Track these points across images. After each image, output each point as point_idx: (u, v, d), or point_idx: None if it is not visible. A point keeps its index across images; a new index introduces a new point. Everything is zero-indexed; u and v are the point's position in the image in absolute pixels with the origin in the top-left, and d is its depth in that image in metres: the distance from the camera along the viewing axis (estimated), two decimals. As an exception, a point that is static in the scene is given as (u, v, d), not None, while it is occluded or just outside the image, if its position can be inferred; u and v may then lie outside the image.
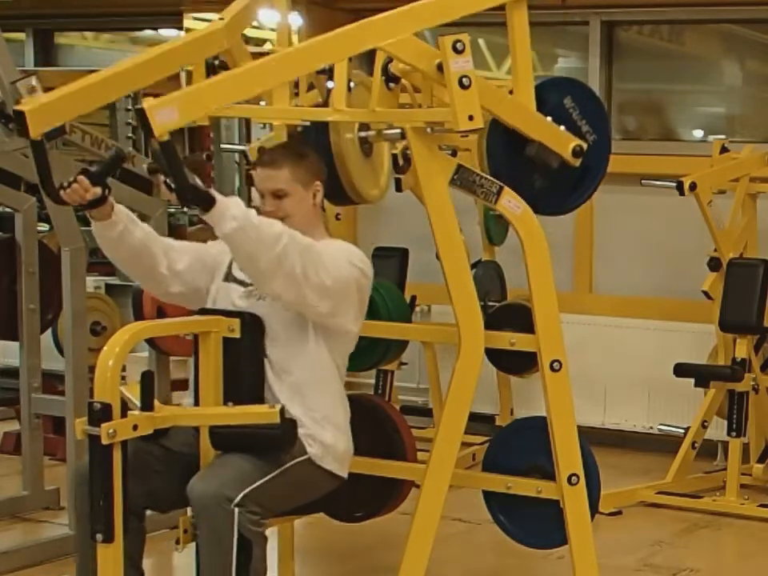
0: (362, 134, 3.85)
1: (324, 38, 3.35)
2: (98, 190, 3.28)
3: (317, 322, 3.47)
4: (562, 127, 3.71)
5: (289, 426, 3.36)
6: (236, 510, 3.20)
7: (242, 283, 3.54)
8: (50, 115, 3.17)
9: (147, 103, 3.02)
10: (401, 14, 3.40)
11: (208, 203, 3.17)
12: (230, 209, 3.20)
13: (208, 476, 3.28)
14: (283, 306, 3.43)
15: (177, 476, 3.37)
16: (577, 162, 3.71)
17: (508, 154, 3.69)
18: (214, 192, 3.21)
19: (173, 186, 3.12)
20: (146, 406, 3.16)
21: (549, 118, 3.69)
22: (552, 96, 3.69)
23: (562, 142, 3.70)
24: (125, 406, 3.12)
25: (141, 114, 3.00)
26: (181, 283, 3.57)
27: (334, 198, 4.05)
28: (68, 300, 4.84)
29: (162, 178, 3.16)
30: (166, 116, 3.02)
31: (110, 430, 3.03)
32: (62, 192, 3.27)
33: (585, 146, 3.71)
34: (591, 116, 3.79)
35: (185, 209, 7.51)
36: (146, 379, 3.17)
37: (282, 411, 3.29)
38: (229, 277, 3.57)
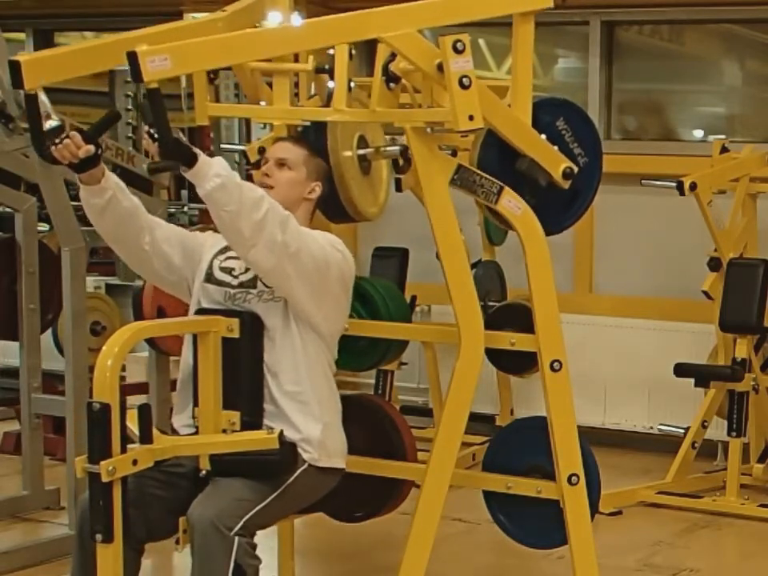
0: (361, 151, 3.86)
1: (326, 19, 3.34)
2: (91, 148, 3.19)
3: (298, 310, 3.45)
4: (555, 147, 3.71)
5: (288, 449, 3.37)
6: (237, 538, 3.19)
7: (223, 284, 3.53)
8: (44, 69, 3.15)
9: (140, 48, 2.97)
10: (407, 8, 3.39)
11: (190, 158, 3.14)
12: (212, 167, 3.18)
13: (207, 502, 3.25)
14: (263, 277, 3.40)
15: (178, 500, 3.33)
16: (566, 184, 3.71)
17: (499, 163, 3.68)
18: (197, 150, 3.17)
19: (157, 137, 3.08)
20: (145, 438, 3.16)
21: (543, 136, 3.69)
22: (545, 116, 3.69)
23: (554, 162, 3.69)
24: (128, 440, 3.12)
25: (132, 58, 2.95)
26: (163, 263, 3.52)
27: (333, 215, 4.04)
28: (68, 300, 4.84)
29: (146, 128, 3.11)
30: (158, 64, 2.98)
31: (110, 467, 3.03)
32: (53, 148, 3.18)
33: (576, 168, 3.71)
34: (583, 139, 3.78)
35: (185, 208, 7.52)
36: (143, 412, 3.16)
37: (281, 436, 3.29)
38: (211, 278, 3.54)
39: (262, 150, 4.02)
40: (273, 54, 3.44)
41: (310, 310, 3.46)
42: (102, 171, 3.30)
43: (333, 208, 3.89)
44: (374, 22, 3.37)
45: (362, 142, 3.86)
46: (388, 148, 3.81)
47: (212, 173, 3.17)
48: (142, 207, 3.45)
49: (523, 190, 3.66)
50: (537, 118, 3.66)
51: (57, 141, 3.16)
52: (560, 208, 3.80)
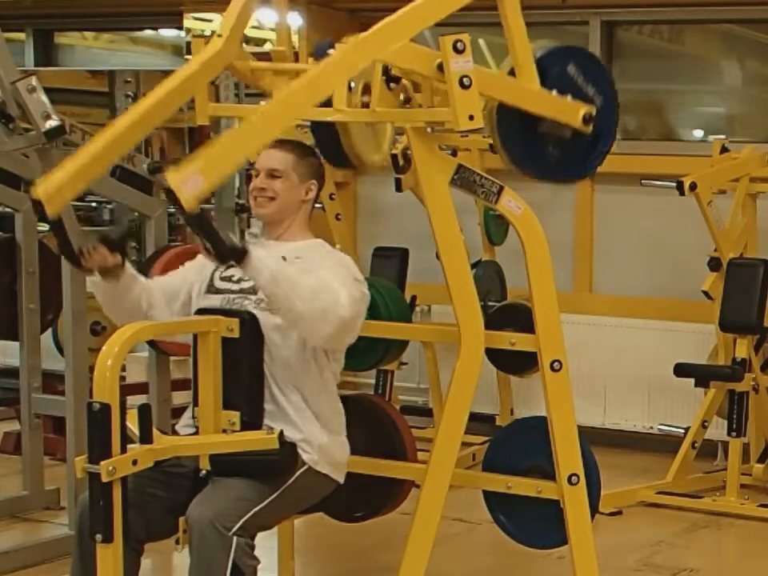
0: (365, 98, 3.83)
1: (320, 70, 3.31)
2: (118, 258, 3.41)
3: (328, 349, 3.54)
4: (569, 97, 3.69)
5: (288, 450, 3.37)
6: (235, 538, 3.19)
7: (223, 291, 3.55)
8: (62, 195, 3.25)
9: (172, 181, 3.00)
10: (394, 21, 3.38)
11: (244, 258, 3.24)
12: (264, 262, 3.28)
13: (206, 501, 3.26)
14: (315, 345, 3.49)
15: (178, 500, 3.34)
16: (589, 129, 3.68)
17: (521, 134, 3.67)
18: (248, 246, 3.27)
19: (211, 250, 3.19)
20: (145, 438, 3.16)
21: (554, 91, 3.66)
22: (555, 66, 3.66)
23: (572, 113, 3.66)
24: (128, 440, 3.12)
25: (170, 194, 3.00)
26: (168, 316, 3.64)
27: (336, 161, 4.03)
28: (68, 300, 4.84)
29: (201, 243, 3.21)
30: (193, 186, 3.02)
31: (110, 468, 3.03)
32: (81, 259, 3.39)
33: (594, 111, 3.69)
34: (596, 79, 3.74)
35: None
36: (143, 412, 3.16)
37: (281, 436, 3.30)
38: (211, 289, 3.60)
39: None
40: (288, 125, 3.45)
41: (343, 348, 3.59)
42: (123, 268, 3.45)
43: (335, 155, 3.90)
44: (367, 50, 3.35)
45: (366, 90, 3.84)
46: None
47: (265, 268, 3.28)
48: (147, 288, 3.57)
49: (551, 147, 3.67)
50: (547, 70, 3.64)
51: (84, 251, 3.37)
52: (585, 151, 3.77)
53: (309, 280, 3.36)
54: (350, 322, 3.41)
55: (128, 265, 3.48)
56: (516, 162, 3.70)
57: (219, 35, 3.62)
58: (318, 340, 3.43)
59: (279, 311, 3.38)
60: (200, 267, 3.67)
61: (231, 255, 3.21)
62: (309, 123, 3.93)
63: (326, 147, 3.83)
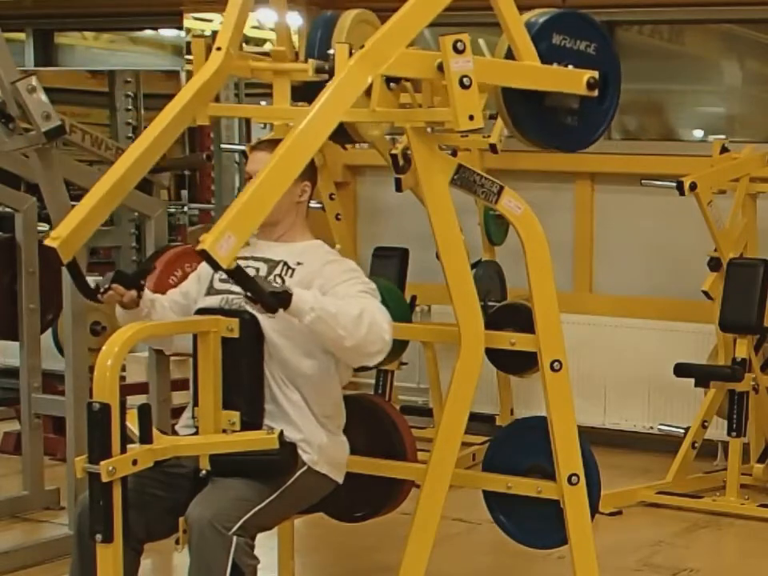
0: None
1: (326, 101, 3.31)
2: (134, 294, 3.49)
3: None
4: (570, 66, 3.69)
5: (288, 450, 3.38)
6: (235, 538, 3.20)
7: (222, 292, 3.55)
8: (75, 240, 3.39)
9: (207, 244, 3.05)
10: (388, 32, 3.37)
11: (287, 301, 3.28)
12: (307, 302, 3.31)
13: (206, 501, 3.26)
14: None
15: (177, 500, 3.34)
16: (595, 93, 3.67)
17: (529, 111, 3.66)
18: (290, 288, 3.32)
19: (255, 299, 3.24)
20: (145, 439, 3.16)
21: (554, 65, 3.66)
22: (541, 43, 3.64)
23: (575, 82, 3.64)
24: (128, 440, 3.13)
25: (205, 256, 3.05)
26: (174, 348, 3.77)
27: (335, 136, 4.03)
28: (68, 300, 4.84)
29: (244, 293, 3.28)
30: (226, 245, 3.08)
31: (110, 468, 3.02)
32: (99, 296, 3.49)
33: (596, 75, 3.67)
34: (582, 32, 3.72)
35: (184, 209, 7.54)
36: (143, 412, 3.16)
37: (281, 436, 3.30)
38: (210, 291, 3.60)
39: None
40: (303, 164, 3.45)
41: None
42: (141, 298, 3.53)
43: (335, 130, 3.89)
44: (368, 66, 3.35)
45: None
46: None
47: (307, 307, 3.31)
48: (165, 310, 3.64)
49: (563, 118, 3.68)
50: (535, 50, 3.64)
51: (101, 291, 3.48)
52: (597, 103, 3.74)
53: (350, 309, 3.39)
54: (390, 337, 3.47)
55: (146, 292, 3.56)
56: (532, 137, 3.70)
57: (218, 48, 3.63)
58: (367, 362, 3.50)
59: (325, 344, 3.44)
60: (198, 277, 3.70)
61: (275, 301, 3.26)
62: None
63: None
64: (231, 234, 3.09)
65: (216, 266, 3.07)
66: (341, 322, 3.34)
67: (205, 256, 3.06)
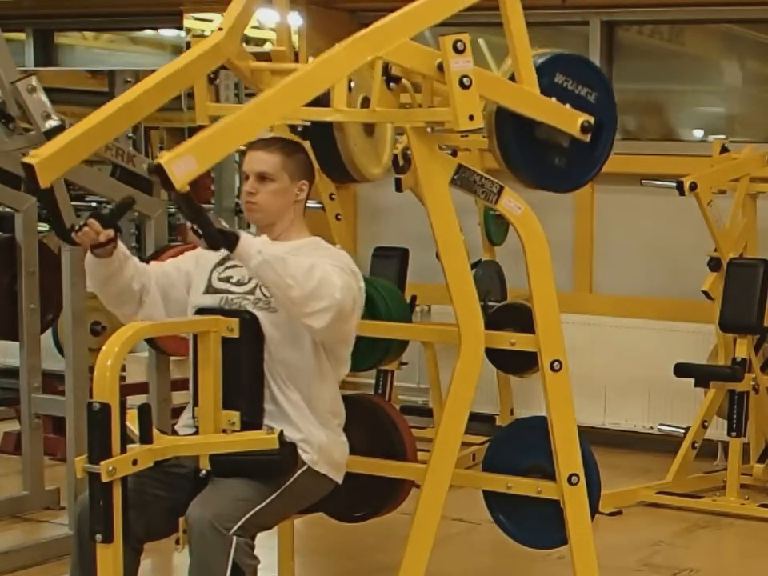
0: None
1: (322, 61, 3.32)
2: (110, 232, 3.33)
3: (328, 343, 3.51)
4: (568, 105, 3.69)
5: (288, 450, 3.37)
6: (235, 538, 3.19)
7: (221, 291, 3.54)
8: (57, 164, 3.20)
9: (163, 158, 2.99)
10: (395, 20, 3.38)
11: (234, 242, 3.22)
12: (253, 245, 3.25)
13: (206, 502, 3.25)
14: (317, 336, 3.45)
15: (178, 500, 3.33)
16: (587, 138, 3.68)
17: (517, 140, 3.67)
18: (239, 231, 3.26)
19: (200, 232, 3.17)
20: (145, 438, 3.16)
21: (553, 99, 3.67)
22: (542, 79, 3.66)
23: (570, 120, 3.66)
24: (128, 440, 3.12)
25: (159, 170, 2.99)
26: (142, 317, 3.55)
27: (335, 174, 4.02)
28: (68, 300, 4.84)
29: (188, 224, 3.19)
30: (184, 167, 3.01)
31: (110, 468, 3.02)
32: (73, 234, 3.32)
33: (592, 120, 3.68)
34: (585, 78, 3.74)
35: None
36: (143, 412, 3.16)
37: (281, 436, 3.30)
38: (209, 290, 3.57)
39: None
40: (285, 115, 3.44)
41: (342, 340, 3.54)
42: (116, 246, 3.38)
43: (335, 168, 3.89)
44: (368, 45, 3.35)
45: (366, 103, 3.84)
46: None
47: (254, 251, 3.24)
48: (140, 270, 3.50)
49: (551, 155, 3.67)
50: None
51: (77, 228, 3.29)
52: (589, 150, 3.76)
53: (301, 261, 3.33)
54: (344, 304, 3.37)
55: (121, 244, 3.41)
56: (515, 168, 3.70)
57: (220, 29, 3.61)
58: (312, 321, 3.34)
59: (272, 294, 3.36)
60: (197, 259, 3.64)
61: (220, 238, 3.18)
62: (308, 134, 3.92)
63: (325, 160, 3.81)
64: (192, 158, 3.03)
65: (168, 186, 3.00)
66: (290, 270, 3.26)
67: (159, 171, 2.99)
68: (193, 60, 3.50)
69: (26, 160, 3.15)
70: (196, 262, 3.64)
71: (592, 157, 3.78)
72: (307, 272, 3.30)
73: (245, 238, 3.24)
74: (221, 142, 3.14)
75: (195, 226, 3.17)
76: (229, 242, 3.21)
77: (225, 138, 3.15)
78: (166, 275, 3.60)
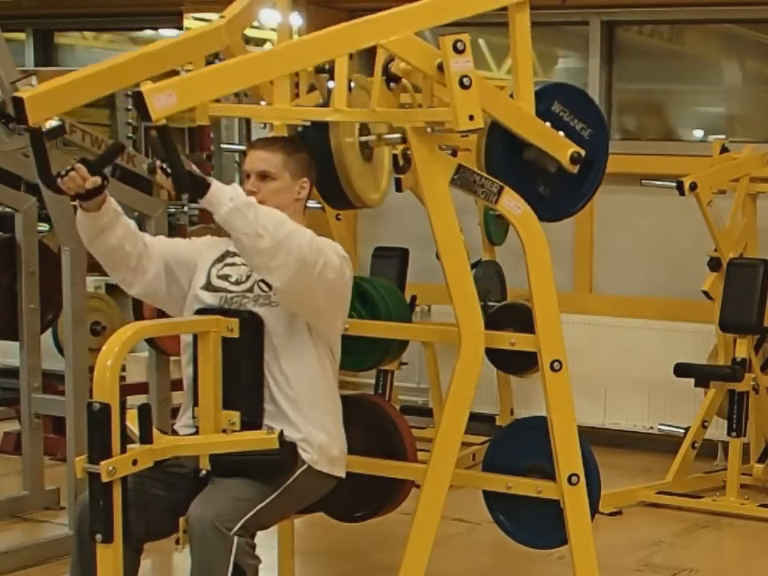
0: (363, 138, 3.84)
1: (325, 33, 3.34)
2: (98, 179, 3.24)
3: (313, 321, 3.47)
4: (561, 133, 3.71)
5: (288, 449, 3.37)
6: (236, 538, 3.19)
7: (220, 290, 3.53)
8: (48, 103, 3.15)
9: (145, 87, 2.98)
10: (402, 12, 3.40)
11: (204, 188, 3.16)
12: (225, 192, 3.19)
13: (207, 502, 3.25)
14: (282, 301, 3.41)
15: (178, 500, 3.33)
16: (574, 169, 3.71)
17: (505, 158, 3.69)
18: (209, 178, 3.20)
19: (169, 171, 3.11)
20: (145, 438, 3.16)
21: (548, 124, 3.69)
22: (540, 105, 3.69)
23: (561, 148, 3.69)
24: (128, 440, 3.12)
25: (138, 98, 2.96)
26: (143, 287, 3.53)
27: (335, 201, 4.03)
28: (68, 300, 4.84)
29: (158, 163, 3.12)
30: (164, 101, 2.99)
31: (110, 468, 3.02)
32: (59, 180, 3.23)
33: (583, 152, 3.70)
34: (582, 113, 3.77)
35: (185, 208, 7.53)
36: (143, 412, 3.16)
37: (281, 436, 3.30)
38: (208, 287, 3.55)
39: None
40: (275, 75, 3.44)
41: (327, 320, 3.49)
42: (105, 198, 3.32)
43: (334, 194, 3.89)
44: (371, 29, 3.37)
45: (364, 129, 3.85)
46: (390, 135, 3.79)
47: (225, 198, 3.18)
48: (133, 232, 3.45)
49: (536, 180, 3.67)
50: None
51: (63, 173, 3.20)
52: (575, 185, 3.78)
53: (275, 212, 3.28)
54: (312, 256, 3.29)
55: (112, 200, 3.35)
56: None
57: (222, 17, 3.62)
58: (279, 275, 3.26)
59: (239, 245, 3.27)
60: (201, 249, 3.62)
61: (190, 181, 3.13)
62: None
63: (325, 188, 3.81)
64: (174, 93, 3.01)
65: (146, 115, 2.97)
66: (261, 220, 3.20)
67: (139, 100, 2.97)
68: (192, 37, 3.51)
69: (18, 94, 3.11)
70: (200, 252, 3.62)
71: (578, 192, 3.80)
72: (279, 224, 3.24)
73: (216, 184, 3.18)
74: (205, 85, 3.13)
75: (165, 166, 3.10)
76: (198, 186, 3.15)
77: (210, 82, 3.14)
78: (179, 253, 3.56)
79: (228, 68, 3.24)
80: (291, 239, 3.25)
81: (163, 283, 3.54)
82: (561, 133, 3.71)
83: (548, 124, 3.69)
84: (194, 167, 3.16)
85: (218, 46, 3.60)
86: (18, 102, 3.10)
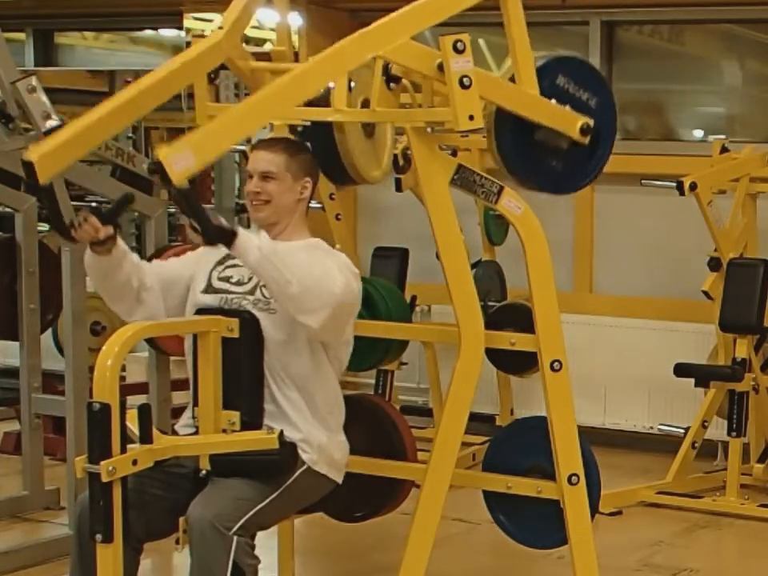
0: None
1: (323, 58, 3.32)
2: (110, 229, 3.32)
3: (325, 339, 3.50)
4: (567, 107, 3.70)
5: (288, 450, 3.37)
6: (235, 538, 3.19)
7: (220, 291, 3.54)
8: (56, 161, 3.19)
9: (162, 153, 2.99)
10: (396, 19, 3.39)
11: (231, 238, 3.24)
12: (252, 241, 3.26)
13: (206, 501, 3.25)
14: (315, 336, 3.45)
15: (178, 500, 3.33)
16: (586, 140, 3.69)
17: (516, 142, 3.67)
18: (237, 227, 3.27)
19: (198, 228, 3.18)
20: (145, 439, 3.16)
21: (553, 101, 3.67)
22: (544, 81, 3.67)
23: (569, 123, 3.67)
24: (128, 440, 3.12)
25: (158, 166, 2.99)
26: (144, 315, 3.54)
27: (336, 177, 4.02)
28: (68, 300, 4.84)
29: (186, 220, 3.19)
30: (183, 162, 3.01)
31: (110, 468, 3.02)
32: (72, 231, 3.32)
33: (591, 122, 3.69)
34: (586, 82, 3.75)
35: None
36: (143, 412, 3.16)
37: (281, 436, 3.30)
38: (209, 289, 3.56)
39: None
40: (285, 111, 3.44)
41: (334, 335, 3.52)
42: (115, 242, 3.37)
43: (336, 172, 3.89)
44: (368, 43, 3.36)
45: (366, 104, 3.84)
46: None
47: (252, 247, 3.26)
48: (138, 266, 3.49)
49: (549, 158, 3.67)
50: (538, 83, 3.65)
51: (76, 224, 3.28)
52: (587, 156, 3.77)
53: (301, 258, 3.34)
54: (343, 300, 3.38)
55: (120, 240, 3.41)
56: (513, 171, 3.70)
57: (220, 27, 3.61)
58: (309, 318, 3.34)
59: (270, 291, 3.37)
60: (198, 259, 3.64)
61: (218, 233, 3.20)
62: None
63: (326, 164, 3.82)
64: (191, 153, 3.03)
65: (167, 181, 3.00)
66: (289, 266, 3.28)
67: (158, 168, 2.98)
68: (192, 58, 3.49)
69: (26, 157, 3.14)
70: (197, 262, 3.64)
71: (590, 161, 3.79)
72: (306, 269, 3.31)
73: (243, 233, 3.25)
74: (219, 138, 3.15)
75: (193, 222, 3.17)
76: (227, 237, 3.23)
77: (223, 134, 3.15)
78: (167, 274, 3.60)
79: (237, 116, 3.22)
80: (320, 284, 3.33)
81: (162, 306, 3.57)
82: (567, 106, 3.68)
83: (554, 100, 3.66)
84: (221, 219, 3.23)
85: (219, 60, 3.61)
86: (28, 165, 3.12)
